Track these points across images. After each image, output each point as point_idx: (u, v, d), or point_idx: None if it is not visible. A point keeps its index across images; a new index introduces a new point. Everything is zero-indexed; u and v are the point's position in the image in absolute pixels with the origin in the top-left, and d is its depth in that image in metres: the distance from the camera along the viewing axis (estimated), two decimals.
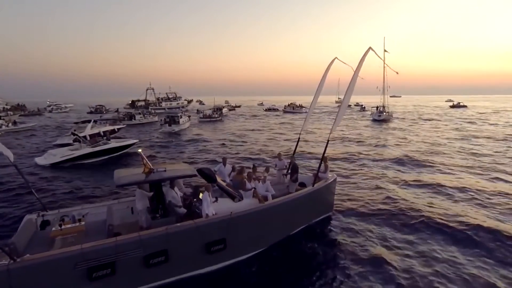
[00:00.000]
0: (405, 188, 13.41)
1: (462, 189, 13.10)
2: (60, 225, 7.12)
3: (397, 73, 8.73)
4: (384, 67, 44.58)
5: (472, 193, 12.56)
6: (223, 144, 26.04)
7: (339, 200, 11.41)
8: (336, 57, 10.09)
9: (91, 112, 68.58)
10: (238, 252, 7.42)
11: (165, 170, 7.71)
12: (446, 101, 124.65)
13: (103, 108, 73.21)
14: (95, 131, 22.86)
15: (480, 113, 60.29)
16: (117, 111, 61.43)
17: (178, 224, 6.67)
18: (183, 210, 7.80)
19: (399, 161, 18.72)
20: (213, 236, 6.85)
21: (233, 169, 9.65)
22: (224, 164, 9.71)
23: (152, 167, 7.67)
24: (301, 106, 70.42)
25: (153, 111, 55.98)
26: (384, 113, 47.01)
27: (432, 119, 48.81)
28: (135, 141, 20.71)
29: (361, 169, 16.84)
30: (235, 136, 31.76)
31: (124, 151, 19.76)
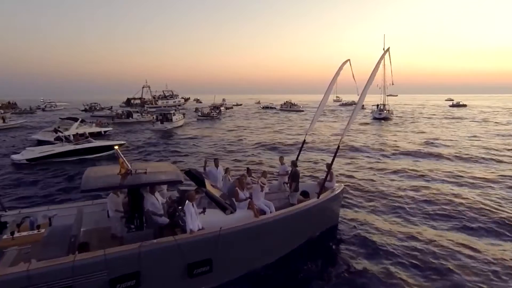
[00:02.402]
0: (415, 186, 12.70)
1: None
2: (13, 233, 5.83)
3: (392, 83, 8.34)
4: (384, 65, 43.28)
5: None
6: (220, 143, 24.82)
7: (346, 207, 10.27)
8: (349, 60, 9.40)
9: (85, 110, 66.91)
10: (226, 275, 6.20)
11: (145, 172, 6.39)
12: (446, 100, 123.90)
13: (98, 105, 71.56)
14: (81, 131, 21.28)
15: (484, 112, 59.98)
16: (110, 108, 60.09)
17: (155, 241, 5.42)
18: (164, 220, 6.59)
19: (405, 158, 18.41)
20: (197, 256, 5.63)
21: (226, 171, 8.55)
22: (216, 166, 8.60)
23: (129, 167, 6.40)
24: (294, 104, 72.50)
25: (148, 109, 54.71)
26: (385, 111, 46.19)
27: (434, 118, 48.34)
28: (121, 142, 19.40)
29: (367, 169, 15.90)
30: (232, 134, 30.58)
31: (109, 152, 18.46)
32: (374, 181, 13.45)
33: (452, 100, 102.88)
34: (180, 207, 6.64)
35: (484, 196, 11.24)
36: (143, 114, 46.04)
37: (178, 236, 5.63)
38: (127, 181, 6.07)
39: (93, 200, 7.59)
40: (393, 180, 13.62)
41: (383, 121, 42.78)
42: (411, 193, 11.69)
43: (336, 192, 8.43)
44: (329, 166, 8.27)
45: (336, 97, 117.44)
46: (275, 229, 6.77)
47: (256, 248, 6.54)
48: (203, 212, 6.33)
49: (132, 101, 76.88)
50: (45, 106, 77.09)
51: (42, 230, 6.06)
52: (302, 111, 66.48)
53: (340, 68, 9.62)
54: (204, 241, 5.69)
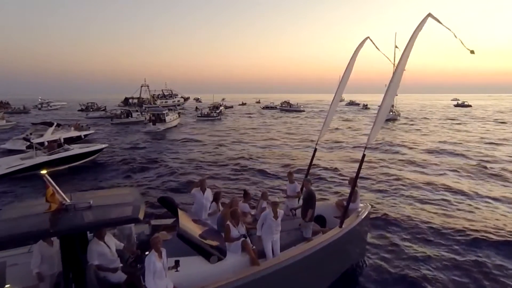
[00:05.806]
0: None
1: None
2: None
3: (472, 51, 5.84)
4: (394, 64, 40.82)
5: None
6: (216, 149, 22.17)
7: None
8: (368, 37, 7.40)
9: (81, 110, 65.53)
10: None
11: (89, 206, 4.28)
12: (452, 100, 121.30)
13: (95, 105, 69.96)
14: (56, 136, 18.72)
15: (496, 113, 58.29)
16: (104, 109, 58.44)
17: None
18: (119, 277, 4.56)
19: (419, 162, 17.37)
20: None
21: (216, 197, 6.30)
22: (203, 189, 6.35)
23: (65, 200, 4.28)
24: (292, 104, 72.48)
25: (148, 109, 53.21)
26: (391, 113, 44.10)
27: (440, 118, 47.16)
28: (103, 146, 17.42)
29: (383, 175, 14.23)
30: (231, 137, 28.16)
31: (91, 158, 16.55)
32: (404, 200, 11.34)
33: (458, 100, 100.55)
34: (147, 253, 4.36)
35: None
36: (143, 113, 44.47)
37: None
38: (59, 225, 3.97)
39: (30, 246, 5.24)
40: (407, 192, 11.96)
41: (390, 122, 40.77)
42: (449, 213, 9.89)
43: (363, 217, 6.38)
44: (353, 182, 6.17)
45: None
46: (281, 279, 4.87)
47: None
48: (175, 267, 4.34)
49: (130, 100, 74.88)
50: (41, 105, 75.45)
51: None
52: (303, 111, 64.95)
53: (358, 49, 7.70)
54: None
